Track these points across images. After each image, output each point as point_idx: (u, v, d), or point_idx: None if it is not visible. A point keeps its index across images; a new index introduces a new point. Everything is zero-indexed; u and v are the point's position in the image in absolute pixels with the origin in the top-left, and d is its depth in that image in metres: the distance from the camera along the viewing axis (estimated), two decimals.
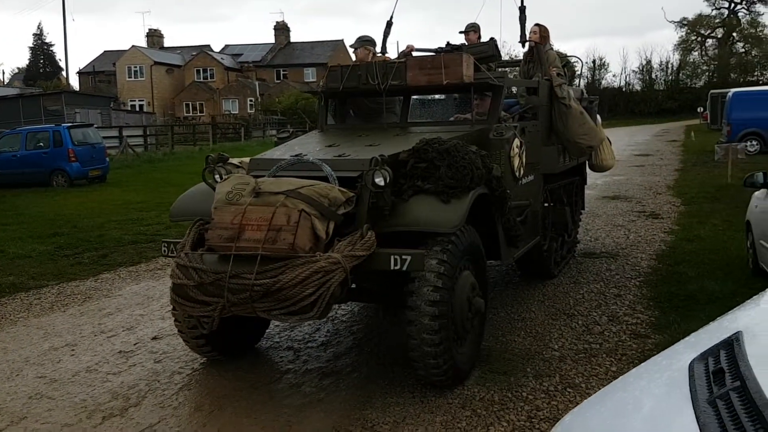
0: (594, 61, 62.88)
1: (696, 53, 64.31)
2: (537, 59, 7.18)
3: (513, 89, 6.83)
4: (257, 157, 5.08)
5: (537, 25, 7.27)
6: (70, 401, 4.52)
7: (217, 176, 4.79)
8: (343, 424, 4.03)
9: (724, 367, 1.46)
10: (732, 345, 1.56)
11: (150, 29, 64.45)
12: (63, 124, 20.08)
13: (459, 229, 4.30)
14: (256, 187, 4.20)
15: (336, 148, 5.04)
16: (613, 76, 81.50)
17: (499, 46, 6.42)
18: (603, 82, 63.40)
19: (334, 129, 6.19)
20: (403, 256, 4.05)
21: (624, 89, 62.68)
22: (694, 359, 1.61)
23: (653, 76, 62.62)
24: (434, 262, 4.17)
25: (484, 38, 6.86)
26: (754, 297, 2.05)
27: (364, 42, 6.37)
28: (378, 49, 6.66)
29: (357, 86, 5.77)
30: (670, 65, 62.66)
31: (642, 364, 1.97)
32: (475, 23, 7.17)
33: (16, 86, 55.03)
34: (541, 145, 6.41)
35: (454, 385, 4.43)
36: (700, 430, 1.27)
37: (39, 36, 71.53)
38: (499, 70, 6.71)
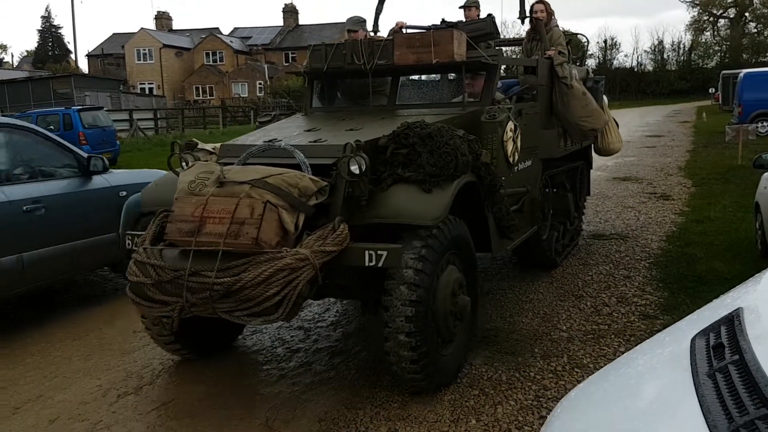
0: (605, 41, 62.58)
1: (708, 33, 63.81)
2: (540, 37, 6.76)
3: (518, 69, 6.52)
4: (228, 143, 4.74)
5: (541, 2, 6.78)
6: (85, 380, 4.61)
7: (183, 164, 4.47)
8: (353, 402, 4.09)
9: (724, 342, 1.50)
10: (732, 321, 1.60)
11: (158, 11, 64.50)
12: (73, 107, 20.19)
13: (442, 221, 3.97)
14: (221, 176, 3.89)
15: (315, 132, 4.68)
16: (625, 56, 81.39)
17: (497, 24, 5.97)
18: (615, 62, 63.09)
19: (319, 112, 5.86)
20: (379, 252, 3.72)
21: (636, 69, 62.36)
22: (695, 335, 1.64)
23: (665, 56, 62.36)
24: (412, 258, 3.83)
25: (484, 15, 6.38)
26: (756, 275, 2.09)
27: (362, 23, 6.12)
28: (369, 26, 6.38)
29: (342, 66, 5.45)
30: (682, 45, 62.37)
31: (646, 341, 2.01)
32: None
33: (26, 69, 55.24)
34: (540, 128, 6.03)
35: (435, 389, 4.13)
36: (700, 401, 1.31)
37: (47, 18, 71.95)
38: (496, 49, 6.27)
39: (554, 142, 6.43)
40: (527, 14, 6.80)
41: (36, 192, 5.60)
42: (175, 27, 65.49)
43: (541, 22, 6.70)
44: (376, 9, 6.74)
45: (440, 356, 4.09)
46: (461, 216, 4.34)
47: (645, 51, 66.61)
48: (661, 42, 62.77)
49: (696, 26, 63.49)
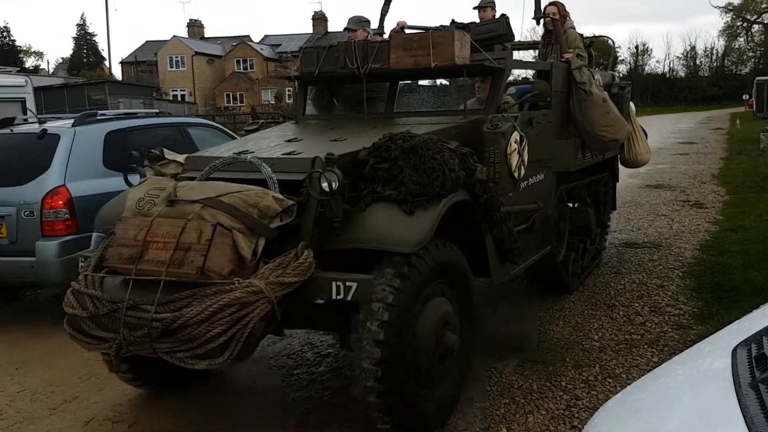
0: (637, 47, 61.98)
1: (741, 39, 62.73)
2: (556, 40, 6.18)
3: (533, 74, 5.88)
4: (194, 155, 4.32)
5: (554, 3, 6.22)
6: (120, 382, 4.68)
7: (141, 178, 4.10)
8: None
9: (766, 352, 1.48)
10: None
11: (191, 19, 65.47)
12: None
13: (424, 247, 3.44)
14: (172, 193, 3.44)
15: (293, 143, 4.23)
16: (657, 62, 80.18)
17: (520, 28, 5.67)
18: (646, 68, 62.50)
19: (312, 120, 5.44)
20: (348, 283, 3.28)
21: (668, 75, 61.71)
22: (737, 345, 1.62)
23: (698, 62, 61.62)
24: (384, 290, 3.31)
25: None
26: None
27: (363, 23, 5.76)
28: (375, 26, 6.05)
29: (334, 70, 5.00)
30: (714, 51, 61.61)
31: (684, 351, 1.99)
32: None
33: (61, 76, 56.40)
34: (554, 139, 5.48)
35: None
36: (743, 412, 1.29)
37: (82, 26, 73.37)
38: (506, 51, 5.70)
39: (570, 153, 5.83)
40: (541, 14, 6.28)
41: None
42: (206, 35, 66.45)
43: (556, 23, 6.21)
44: (382, 9, 6.30)
45: (425, 399, 3.60)
46: (455, 239, 3.87)
47: (677, 57, 65.82)
48: (693, 48, 62.20)
49: (729, 32, 62.46)
